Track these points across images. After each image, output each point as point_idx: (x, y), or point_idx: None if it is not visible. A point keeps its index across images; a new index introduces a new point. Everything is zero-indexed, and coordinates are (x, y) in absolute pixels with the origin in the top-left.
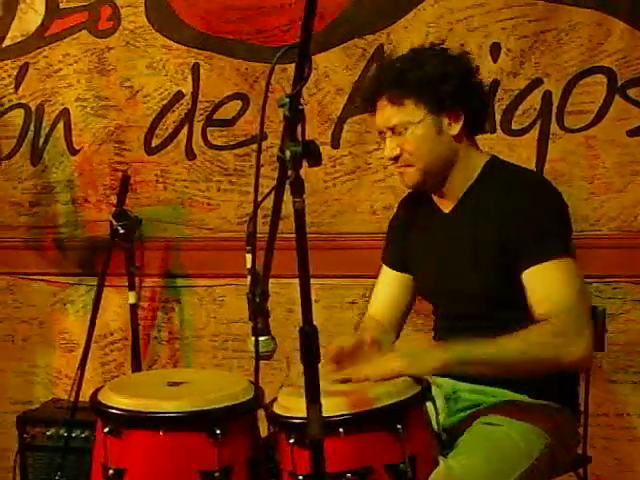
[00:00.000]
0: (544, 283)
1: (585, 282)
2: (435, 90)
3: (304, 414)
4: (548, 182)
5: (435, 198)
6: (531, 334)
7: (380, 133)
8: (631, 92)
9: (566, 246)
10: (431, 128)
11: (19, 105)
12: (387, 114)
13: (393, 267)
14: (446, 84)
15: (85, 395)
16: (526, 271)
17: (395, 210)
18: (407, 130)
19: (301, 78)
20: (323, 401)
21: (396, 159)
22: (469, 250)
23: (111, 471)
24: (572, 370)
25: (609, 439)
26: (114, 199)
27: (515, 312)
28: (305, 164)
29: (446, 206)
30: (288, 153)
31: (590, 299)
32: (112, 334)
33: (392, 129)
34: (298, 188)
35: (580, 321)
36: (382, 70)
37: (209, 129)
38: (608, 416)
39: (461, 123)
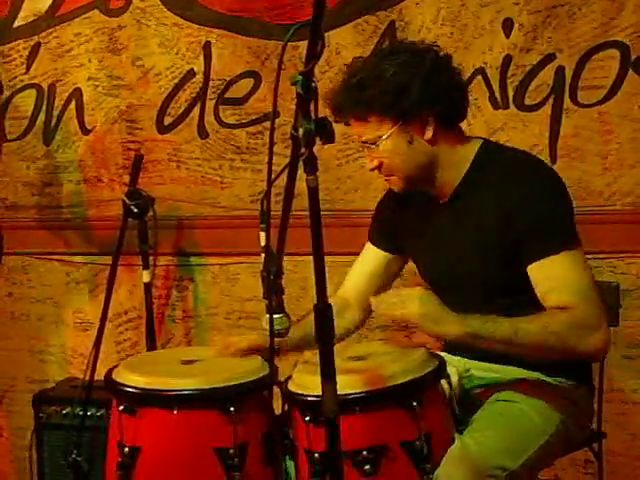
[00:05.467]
0: (557, 275)
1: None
2: (395, 103)
3: (320, 392)
4: (547, 166)
5: (431, 191)
6: (551, 322)
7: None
8: None
9: (574, 237)
10: (401, 140)
11: (31, 85)
12: (356, 131)
13: (379, 246)
14: (405, 95)
15: (100, 374)
16: (535, 264)
17: (386, 191)
18: (378, 145)
19: (314, 55)
20: (338, 378)
21: (378, 169)
22: (469, 238)
23: (127, 449)
24: (588, 359)
25: (623, 415)
26: (127, 178)
27: (514, 299)
28: (318, 141)
29: (442, 196)
30: (301, 131)
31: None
32: (126, 313)
33: (365, 144)
34: (311, 165)
35: (599, 312)
36: (343, 88)
37: (221, 107)
38: (622, 392)
39: (432, 127)
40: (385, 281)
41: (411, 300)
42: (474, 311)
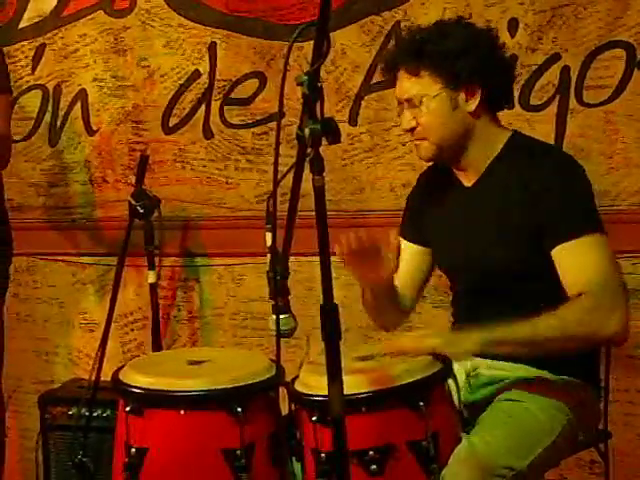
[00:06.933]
0: (577, 259)
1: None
2: (452, 64)
3: (326, 392)
4: (571, 158)
5: (456, 172)
6: (566, 312)
7: (399, 104)
8: None
9: (597, 222)
10: (446, 103)
11: (36, 86)
12: (404, 85)
13: (410, 240)
14: (464, 59)
15: (106, 374)
16: (558, 247)
17: (414, 185)
18: (422, 103)
19: (319, 55)
20: (345, 378)
21: (412, 131)
22: (493, 224)
23: (133, 450)
24: (609, 344)
25: (630, 415)
26: (132, 179)
27: (534, 286)
28: (324, 142)
29: (468, 180)
30: (307, 131)
31: (621, 273)
32: (132, 314)
33: (408, 101)
34: (318, 166)
35: (614, 296)
36: (403, 40)
37: (226, 108)
38: (628, 392)
39: (478, 100)
40: (421, 274)
41: (427, 335)
42: (494, 300)
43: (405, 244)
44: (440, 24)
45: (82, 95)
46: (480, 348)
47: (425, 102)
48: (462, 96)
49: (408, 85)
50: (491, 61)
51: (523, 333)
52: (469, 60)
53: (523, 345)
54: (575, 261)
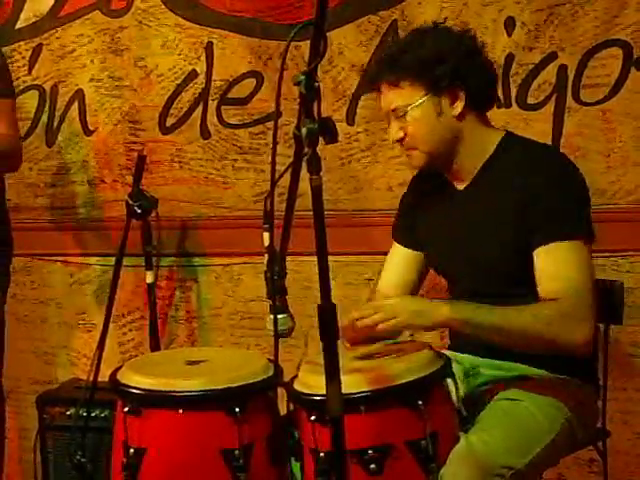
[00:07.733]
0: (555, 263)
1: (594, 264)
2: (430, 71)
3: (325, 391)
4: (567, 159)
5: (449, 176)
6: (539, 310)
7: (386, 116)
8: None
9: (582, 228)
10: (430, 110)
11: (33, 86)
12: (387, 98)
13: (403, 244)
14: (441, 64)
15: (104, 375)
16: (538, 248)
17: (407, 187)
18: (407, 113)
19: (317, 55)
20: (343, 378)
21: (400, 142)
22: (486, 227)
23: (132, 450)
24: (570, 354)
25: (628, 413)
26: (130, 179)
27: (529, 290)
28: (321, 141)
29: (460, 183)
30: (304, 130)
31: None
32: (130, 314)
33: (394, 112)
34: (315, 165)
35: (587, 306)
36: (382, 54)
37: (223, 108)
38: (626, 390)
39: (462, 103)
40: (415, 277)
41: (392, 308)
42: (489, 302)
43: (397, 247)
44: (416, 32)
45: (79, 95)
46: (447, 322)
47: (409, 112)
48: (445, 101)
49: (391, 97)
50: (468, 63)
51: (492, 318)
52: (447, 64)
53: (489, 330)
54: (553, 264)
